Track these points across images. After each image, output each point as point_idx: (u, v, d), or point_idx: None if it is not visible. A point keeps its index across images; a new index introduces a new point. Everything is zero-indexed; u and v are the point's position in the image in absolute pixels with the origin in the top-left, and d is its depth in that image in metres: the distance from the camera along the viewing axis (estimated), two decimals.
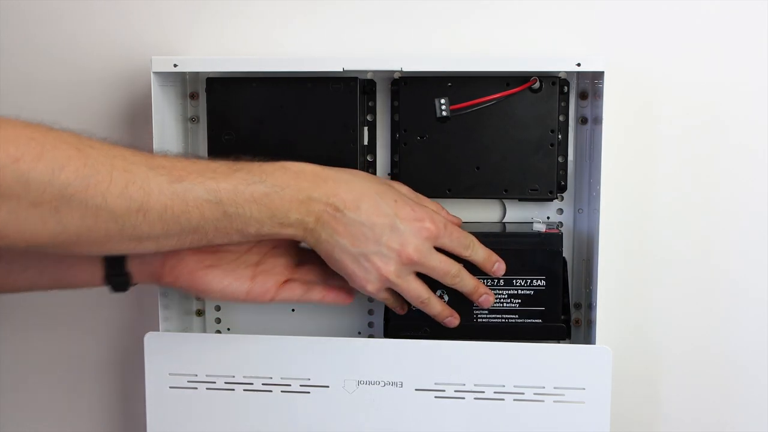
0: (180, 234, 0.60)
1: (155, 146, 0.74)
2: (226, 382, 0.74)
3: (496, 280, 0.72)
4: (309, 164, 0.65)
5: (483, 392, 0.72)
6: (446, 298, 0.73)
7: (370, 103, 0.77)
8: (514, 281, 0.73)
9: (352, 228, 0.64)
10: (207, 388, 0.74)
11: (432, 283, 0.70)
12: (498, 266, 0.70)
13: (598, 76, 0.71)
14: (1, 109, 0.83)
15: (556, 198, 0.76)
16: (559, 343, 0.74)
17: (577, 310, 0.78)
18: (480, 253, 0.69)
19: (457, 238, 0.68)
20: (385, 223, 0.64)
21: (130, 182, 0.56)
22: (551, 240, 0.72)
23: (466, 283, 0.69)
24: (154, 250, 0.61)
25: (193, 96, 0.80)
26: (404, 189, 0.71)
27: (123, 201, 0.56)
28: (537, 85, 0.73)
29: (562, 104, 0.74)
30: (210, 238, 0.61)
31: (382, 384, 0.72)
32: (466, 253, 0.69)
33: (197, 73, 0.79)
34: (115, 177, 0.55)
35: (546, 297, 0.73)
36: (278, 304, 0.81)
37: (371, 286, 0.66)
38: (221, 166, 0.62)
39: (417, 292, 0.68)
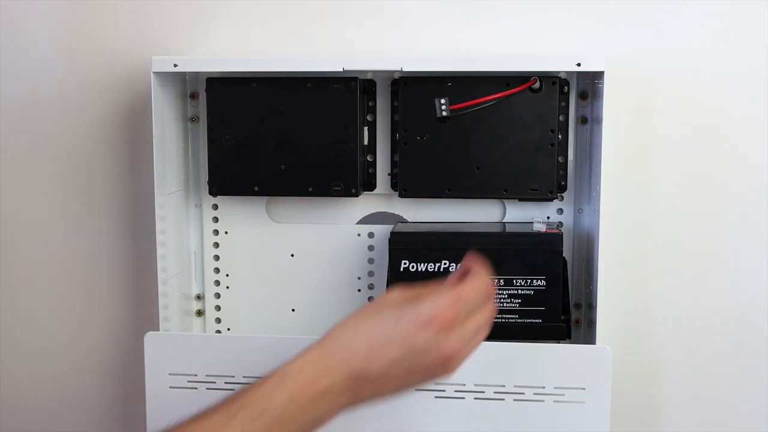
0: None
1: (155, 146, 0.74)
2: (226, 382, 0.74)
3: (497, 280, 0.72)
4: (305, 352, 0.58)
5: (483, 392, 0.72)
6: None
7: (370, 103, 0.77)
8: (514, 281, 0.73)
9: (385, 375, 0.58)
10: (207, 388, 0.74)
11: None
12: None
13: (598, 76, 0.71)
14: (2, 109, 0.83)
15: (556, 198, 0.76)
16: (559, 343, 0.74)
17: (577, 310, 0.78)
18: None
19: (471, 303, 0.60)
20: (407, 350, 0.57)
21: None
22: (551, 240, 0.72)
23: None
24: None
25: (193, 96, 0.80)
26: (396, 295, 0.61)
27: None
28: (537, 85, 0.73)
29: (562, 104, 0.74)
30: None
31: None
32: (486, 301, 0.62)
33: (197, 73, 0.79)
34: None
35: (546, 297, 0.73)
36: (278, 303, 0.82)
37: (449, 374, 0.60)
38: (219, 416, 0.55)
39: (475, 345, 0.61)
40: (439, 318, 0.57)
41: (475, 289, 0.60)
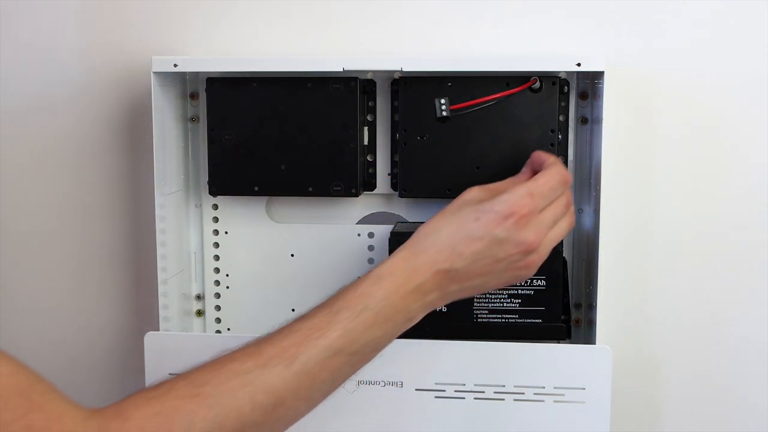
0: (326, 392, 0.60)
1: (155, 146, 0.74)
2: None
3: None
4: (394, 255, 0.63)
5: (483, 392, 0.72)
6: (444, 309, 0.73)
7: (370, 103, 0.77)
8: None
9: (471, 271, 0.62)
10: None
11: None
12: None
13: (598, 76, 0.71)
14: (2, 109, 0.83)
15: None
16: (559, 343, 0.74)
17: (577, 310, 0.78)
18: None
19: (547, 194, 0.64)
20: (488, 243, 0.62)
21: (254, 393, 0.56)
22: None
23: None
24: (313, 408, 0.61)
25: (193, 96, 0.80)
26: (473, 194, 0.65)
27: (257, 412, 0.56)
28: (537, 85, 0.73)
29: (562, 104, 0.74)
30: (354, 371, 0.61)
31: (382, 384, 0.72)
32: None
33: (197, 73, 0.79)
34: (239, 399, 0.56)
35: (546, 297, 0.73)
36: (278, 303, 0.82)
37: (533, 271, 0.64)
38: (322, 316, 0.60)
39: (557, 235, 0.65)
40: (515, 212, 0.61)
41: (549, 180, 0.64)
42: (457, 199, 0.65)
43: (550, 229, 0.63)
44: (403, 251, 0.63)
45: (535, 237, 0.62)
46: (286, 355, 0.57)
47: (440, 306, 0.64)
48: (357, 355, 0.60)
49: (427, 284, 0.61)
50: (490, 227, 0.61)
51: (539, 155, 0.68)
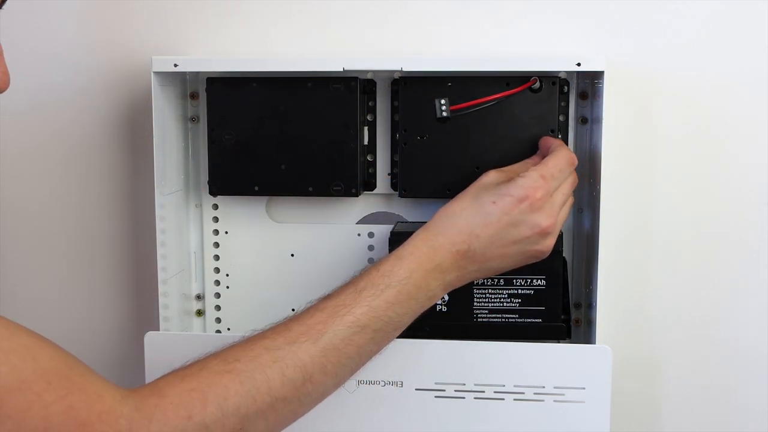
0: (352, 368, 0.64)
1: (155, 146, 0.74)
2: None
3: (496, 280, 0.72)
4: (414, 237, 0.66)
5: (483, 392, 0.72)
6: (446, 297, 0.73)
7: (370, 103, 0.77)
8: (514, 281, 0.73)
9: (488, 252, 0.65)
10: None
11: None
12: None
13: (598, 76, 0.71)
14: (2, 108, 0.83)
15: None
16: (559, 342, 0.74)
17: (577, 310, 0.78)
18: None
19: (557, 176, 0.67)
20: (505, 226, 0.65)
21: (284, 368, 0.59)
22: None
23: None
24: (341, 385, 0.64)
25: (193, 96, 0.80)
26: (491, 177, 0.69)
27: (287, 387, 0.59)
28: (537, 85, 0.73)
29: (562, 104, 0.74)
30: (377, 349, 0.65)
31: (382, 384, 0.72)
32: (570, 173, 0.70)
33: (197, 73, 0.79)
34: (270, 374, 0.59)
35: (546, 297, 0.73)
36: (278, 303, 0.82)
37: (546, 251, 0.67)
38: (347, 294, 0.63)
39: (565, 213, 0.69)
40: (529, 195, 0.65)
41: (558, 163, 0.67)
42: (475, 182, 0.68)
43: (560, 210, 0.67)
44: (424, 232, 0.66)
45: (549, 219, 0.65)
46: (313, 332, 0.61)
47: (459, 285, 0.67)
48: (380, 332, 0.63)
49: (446, 263, 0.65)
50: (507, 210, 0.65)
51: (546, 140, 0.72)
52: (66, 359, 0.56)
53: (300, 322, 0.62)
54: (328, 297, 0.64)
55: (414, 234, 0.66)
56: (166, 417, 0.55)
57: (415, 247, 0.65)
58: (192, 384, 0.57)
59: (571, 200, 0.70)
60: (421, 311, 0.65)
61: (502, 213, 0.65)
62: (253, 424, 0.58)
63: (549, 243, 0.67)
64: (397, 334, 0.65)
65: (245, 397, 0.58)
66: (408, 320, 0.65)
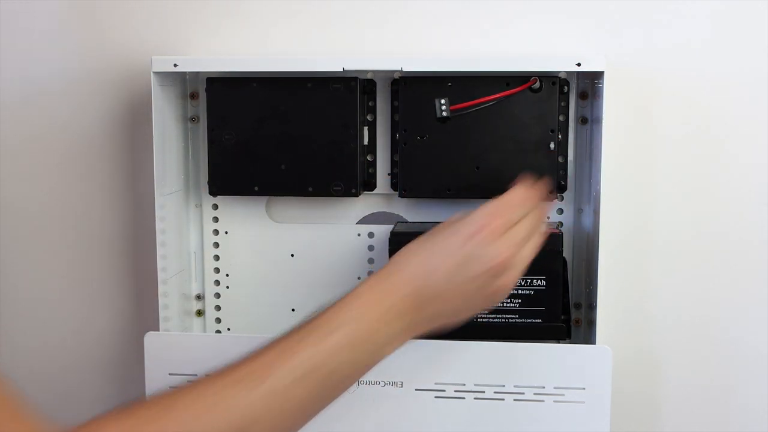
0: (302, 415, 0.58)
1: (155, 146, 0.74)
2: None
3: None
4: (368, 278, 0.62)
5: (483, 392, 0.72)
6: None
7: (370, 103, 0.77)
8: None
9: (446, 292, 0.61)
10: None
11: None
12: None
13: (598, 76, 0.71)
14: (2, 109, 0.83)
15: (557, 198, 0.76)
16: (559, 343, 0.74)
17: (577, 310, 0.78)
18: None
19: (514, 209, 0.64)
20: (461, 261, 0.61)
21: (224, 412, 0.54)
22: (551, 240, 0.72)
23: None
24: None
25: (193, 96, 0.80)
26: (451, 219, 0.65)
27: None
28: (537, 85, 0.73)
29: (562, 104, 0.74)
30: (326, 400, 0.59)
31: (382, 384, 0.72)
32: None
33: (197, 73, 0.79)
34: (210, 417, 0.54)
35: (546, 297, 0.73)
36: (278, 303, 0.82)
37: (509, 291, 0.63)
38: (293, 337, 0.58)
39: (530, 250, 0.64)
40: (486, 225, 0.61)
41: (514, 196, 0.64)
42: (436, 227, 0.64)
43: (522, 246, 0.62)
44: (377, 274, 0.62)
45: (506, 252, 0.61)
46: (255, 376, 0.56)
47: (419, 333, 0.62)
48: (327, 381, 0.58)
49: (399, 305, 0.60)
50: (463, 243, 0.61)
51: (520, 181, 0.67)
52: None
53: (245, 364, 0.57)
54: (278, 338, 0.59)
55: (368, 276, 0.61)
56: None
57: (367, 288, 0.60)
58: (128, 425, 0.53)
59: (538, 238, 0.65)
60: (376, 361, 0.60)
61: (456, 247, 0.61)
62: None
63: (508, 280, 0.62)
64: (350, 385, 0.59)
65: None
66: (358, 371, 0.59)
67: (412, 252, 0.63)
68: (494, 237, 0.61)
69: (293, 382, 0.56)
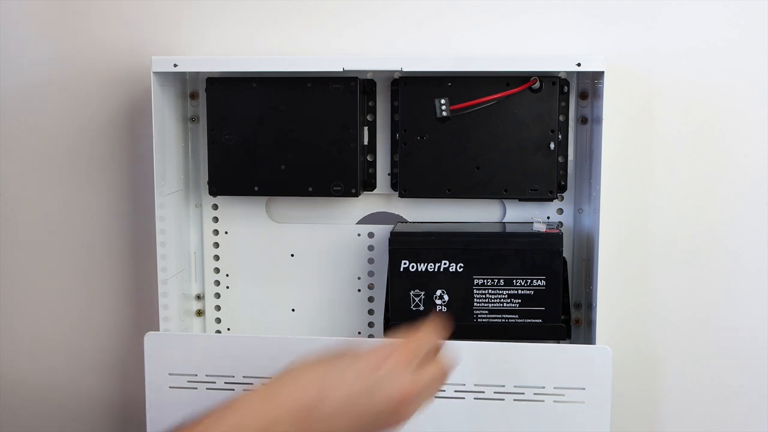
0: None
1: (155, 146, 0.74)
2: (226, 382, 0.74)
3: (497, 280, 0.72)
4: (251, 392, 0.56)
5: (483, 392, 0.72)
6: (446, 297, 0.73)
7: (370, 103, 0.77)
8: (514, 281, 0.73)
9: (337, 412, 0.56)
10: (207, 388, 0.74)
11: (431, 284, 0.70)
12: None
13: (598, 76, 0.71)
14: (2, 109, 0.83)
15: (556, 198, 0.76)
16: (559, 343, 0.74)
17: (577, 310, 0.78)
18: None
19: (424, 344, 0.60)
20: (359, 391, 0.56)
21: None
22: (551, 240, 0.72)
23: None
24: None
25: (193, 96, 0.80)
26: (349, 348, 0.60)
27: None
28: (537, 85, 0.73)
29: (562, 104, 0.74)
30: None
31: None
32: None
33: (197, 73, 0.79)
34: None
35: (546, 297, 0.73)
36: (278, 303, 0.82)
37: (408, 418, 0.58)
38: None
39: (429, 394, 0.60)
40: (392, 356, 0.57)
41: (426, 336, 0.60)
42: (334, 349, 0.60)
43: (424, 389, 0.58)
44: (262, 388, 0.56)
45: (409, 388, 0.57)
46: None
47: None
48: None
49: (283, 421, 0.54)
50: (366, 371, 0.57)
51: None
52: None
53: None
54: None
55: (255, 386, 0.56)
56: None
57: (249, 399, 0.55)
58: None
59: (435, 389, 0.60)
60: None
61: (360, 372, 0.56)
62: None
63: (407, 414, 0.57)
64: None
65: None
66: None
67: (305, 371, 0.57)
68: (400, 370, 0.57)
69: None
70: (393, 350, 0.58)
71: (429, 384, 0.59)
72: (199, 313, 0.83)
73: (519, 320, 0.73)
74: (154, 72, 0.74)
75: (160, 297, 0.77)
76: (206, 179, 0.78)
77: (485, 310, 0.73)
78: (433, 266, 0.73)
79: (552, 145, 0.73)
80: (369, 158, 0.78)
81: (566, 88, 0.74)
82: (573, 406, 0.71)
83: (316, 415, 0.55)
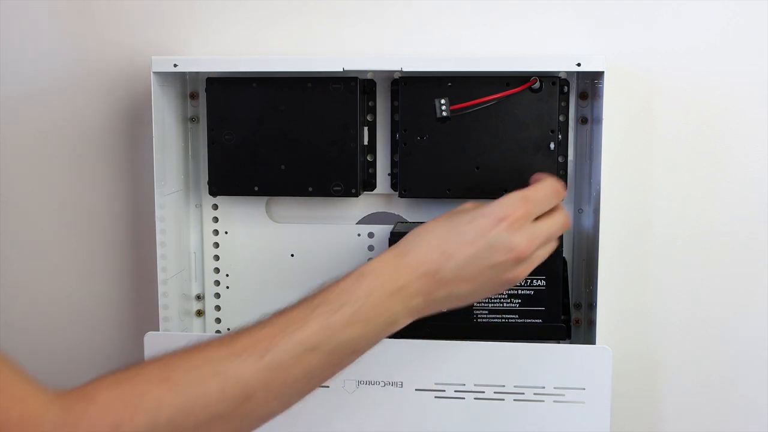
0: (299, 391, 0.57)
1: (155, 146, 0.74)
2: None
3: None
4: (382, 254, 0.61)
5: (483, 392, 0.72)
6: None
7: (370, 103, 0.77)
8: None
9: (459, 276, 0.60)
10: None
11: None
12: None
13: (598, 76, 0.71)
14: (2, 109, 0.83)
15: None
16: (559, 343, 0.74)
17: (577, 310, 0.78)
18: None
19: (541, 200, 0.63)
20: (481, 248, 0.60)
21: (223, 383, 0.53)
22: None
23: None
24: (287, 408, 0.58)
25: (193, 96, 0.80)
26: (468, 205, 0.66)
27: (226, 403, 0.53)
28: (537, 85, 0.73)
29: (562, 104, 0.74)
30: (330, 374, 0.58)
31: (382, 384, 0.72)
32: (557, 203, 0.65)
33: (197, 73, 0.79)
34: (208, 387, 0.53)
35: (546, 297, 0.73)
36: (278, 303, 0.81)
37: (518, 279, 0.62)
38: (300, 310, 0.58)
39: (546, 252, 0.64)
40: (509, 215, 0.60)
41: (543, 188, 0.63)
42: (452, 209, 0.64)
43: (541, 243, 0.62)
44: (392, 250, 0.61)
45: (527, 244, 0.60)
46: (259, 347, 0.55)
47: (426, 314, 0.61)
48: (334, 355, 0.57)
49: (412, 286, 0.59)
50: (484, 230, 0.60)
51: (538, 175, 0.67)
52: None
53: (248, 334, 0.56)
54: (282, 311, 0.59)
55: (383, 252, 0.61)
56: (92, 424, 0.50)
57: (379, 265, 0.60)
58: (124, 390, 0.52)
59: (554, 244, 0.64)
60: (382, 337, 0.59)
61: (478, 234, 0.60)
62: None
63: (522, 272, 0.61)
64: (354, 359, 0.59)
65: (179, 410, 0.52)
66: (365, 346, 0.59)
67: (428, 232, 0.62)
68: (517, 227, 0.60)
69: (297, 356, 0.55)
70: (512, 207, 0.61)
71: (546, 238, 0.62)
72: (199, 313, 0.83)
73: (519, 320, 0.73)
74: (154, 72, 0.74)
75: (160, 297, 0.77)
76: (206, 179, 0.78)
77: (485, 310, 0.73)
78: None
79: (552, 146, 0.73)
80: (369, 158, 0.78)
81: (566, 88, 0.74)
82: (573, 406, 0.71)
83: (439, 278, 0.59)
